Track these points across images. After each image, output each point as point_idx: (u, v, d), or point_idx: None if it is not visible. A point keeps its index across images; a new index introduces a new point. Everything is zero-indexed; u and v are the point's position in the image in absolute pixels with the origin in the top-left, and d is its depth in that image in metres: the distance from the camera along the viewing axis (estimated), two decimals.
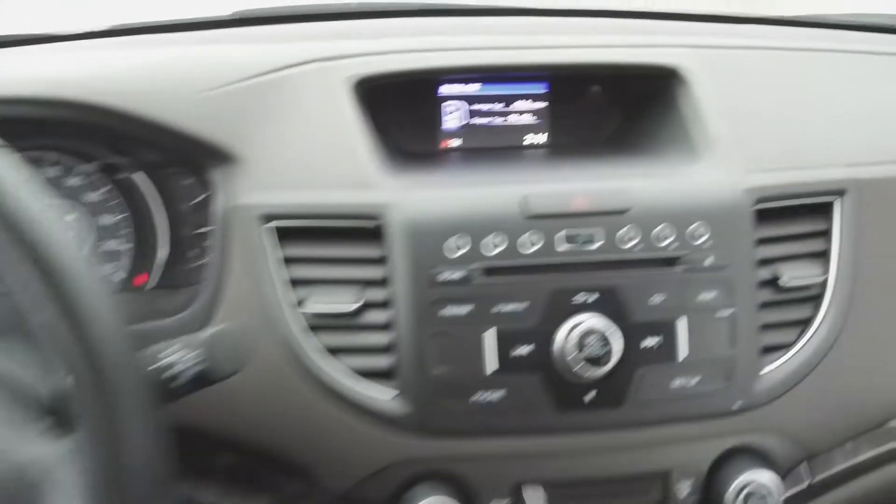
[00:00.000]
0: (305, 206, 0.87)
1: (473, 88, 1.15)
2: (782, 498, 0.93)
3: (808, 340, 0.93)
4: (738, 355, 0.89)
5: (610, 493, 0.94)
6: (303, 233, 0.88)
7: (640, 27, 1.21)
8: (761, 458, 0.95)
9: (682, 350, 0.86)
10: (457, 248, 0.85)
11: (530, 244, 0.87)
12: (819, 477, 1.05)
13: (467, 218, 0.86)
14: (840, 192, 0.97)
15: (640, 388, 0.88)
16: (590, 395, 0.87)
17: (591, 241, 0.87)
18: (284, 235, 0.88)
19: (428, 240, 0.85)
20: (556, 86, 1.14)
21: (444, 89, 1.14)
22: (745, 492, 0.90)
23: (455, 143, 1.15)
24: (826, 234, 0.97)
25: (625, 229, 0.87)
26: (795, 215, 0.97)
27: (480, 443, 0.89)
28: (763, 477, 0.91)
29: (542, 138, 1.16)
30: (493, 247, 0.85)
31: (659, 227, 0.88)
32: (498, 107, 1.16)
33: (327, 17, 1.22)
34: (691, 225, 0.89)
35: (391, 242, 0.85)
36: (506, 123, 1.16)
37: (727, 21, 1.30)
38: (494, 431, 0.88)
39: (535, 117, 1.16)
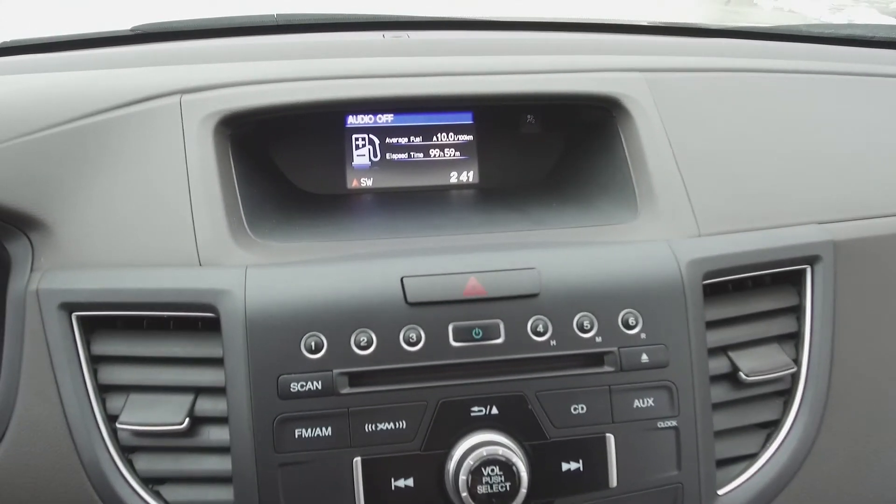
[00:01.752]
0: (119, 291, 0.71)
1: (386, 119, 0.99)
2: None
3: (779, 449, 0.78)
4: (685, 477, 0.72)
5: None
6: (118, 324, 0.73)
7: (583, 44, 1.05)
8: None
9: (613, 475, 0.71)
10: (315, 348, 0.68)
11: (411, 342, 0.69)
12: None
13: (327, 309, 0.69)
14: (813, 259, 0.80)
15: None
16: None
17: (490, 335, 0.70)
18: (94, 328, 0.73)
19: (276, 338, 0.68)
20: (483, 116, 0.98)
21: (353, 120, 0.98)
22: None
23: (366, 181, 0.99)
24: (796, 310, 0.80)
25: (534, 319, 0.71)
26: (759, 287, 0.81)
27: None
28: None
29: (469, 177, 1.00)
30: (363, 346, 0.69)
31: (578, 316, 0.71)
32: (416, 140, 1.00)
33: (234, 31, 1.07)
34: (621, 311, 0.72)
35: (229, 339, 0.69)
36: (427, 160, 1.00)
37: (687, 34, 1.15)
38: None
39: (459, 153, 1.00)
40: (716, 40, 1.12)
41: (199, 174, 0.76)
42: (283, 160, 0.95)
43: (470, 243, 0.78)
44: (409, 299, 0.70)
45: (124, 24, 1.05)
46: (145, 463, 0.71)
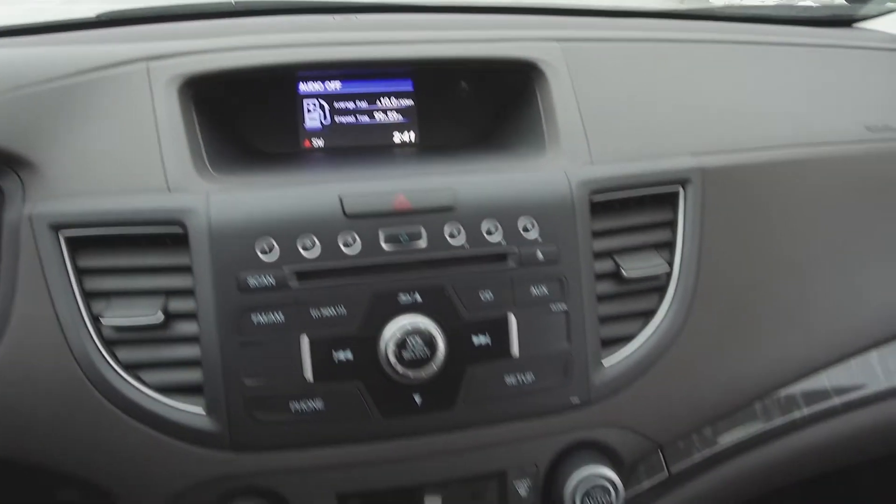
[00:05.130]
0: (100, 213, 0.81)
1: (334, 86, 1.11)
2: (640, 490, 0.90)
3: (654, 332, 0.92)
4: (574, 349, 0.86)
5: (446, 497, 0.90)
6: (100, 242, 0.83)
7: (508, 23, 1.18)
8: (604, 452, 0.92)
9: (515, 347, 0.84)
10: (267, 251, 0.80)
11: (348, 244, 0.82)
12: (678, 467, 1.02)
13: (276, 219, 0.81)
14: (684, 182, 0.95)
15: (471, 388, 0.84)
16: (417, 398, 0.83)
17: (415, 239, 0.83)
18: (79, 246, 0.83)
19: (234, 244, 0.80)
20: (422, 83, 1.11)
21: (304, 87, 1.09)
22: (584, 487, 0.87)
23: (318, 142, 1.11)
24: (671, 224, 0.95)
25: (449, 226, 0.84)
26: (642, 206, 0.95)
27: (300, 454, 0.84)
28: (604, 471, 0.88)
29: (410, 137, 1.12)
30: (308, 249, 0.81)
31: (484, 223, 0.85)
32: (362, 105, 1.11)
33: (193, 16, 1.17)
34: (519, 219, 0.86)
35: (195, 249, 0.80)
36: (372, 122, 1.12)
37: (599, 15, 1.28)
38: (315, 442, 0.84)
39: (401, 116, 1.12)
40: (623, 20, 1.24)
41: (166, 123, 0.86)
42: (244, 124, 1.06)
43: (401, 173, 0.91)
44: (347, 212, 0.82)
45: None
46: (126, 353, 0.82)
